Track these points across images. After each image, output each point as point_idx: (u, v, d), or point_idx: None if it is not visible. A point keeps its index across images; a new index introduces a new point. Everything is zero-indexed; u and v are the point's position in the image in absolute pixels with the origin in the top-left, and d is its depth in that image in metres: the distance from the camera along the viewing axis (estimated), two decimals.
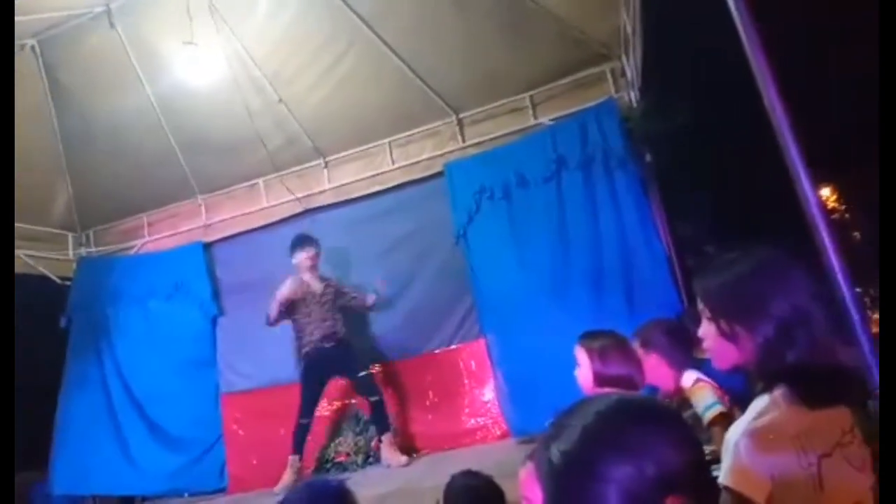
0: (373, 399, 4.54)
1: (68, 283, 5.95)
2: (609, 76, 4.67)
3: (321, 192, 5.40)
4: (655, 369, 2.58)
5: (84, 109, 5.10)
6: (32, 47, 4.78)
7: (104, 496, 5.63)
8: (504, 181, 4.76)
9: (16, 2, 3.72)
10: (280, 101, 4.98)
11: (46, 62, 4.88)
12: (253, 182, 5.64)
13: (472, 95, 5.00)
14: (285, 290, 4.61)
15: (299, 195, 5.38)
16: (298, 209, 5.40)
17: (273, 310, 4.63)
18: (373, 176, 5.28)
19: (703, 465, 0.77)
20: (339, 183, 5.37)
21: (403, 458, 4.40)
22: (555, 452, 0.74)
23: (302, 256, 4.73)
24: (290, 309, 4.66)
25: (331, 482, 1.82)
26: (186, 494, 5.25)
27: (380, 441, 4.54)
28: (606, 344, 2.49)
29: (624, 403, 0.78)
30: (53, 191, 5.69)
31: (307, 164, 5.47)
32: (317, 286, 4.71)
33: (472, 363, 4.81)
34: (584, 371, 2.49)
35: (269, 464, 4.99)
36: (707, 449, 1.72)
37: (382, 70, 4.78)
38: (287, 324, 4.75)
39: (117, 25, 4.61)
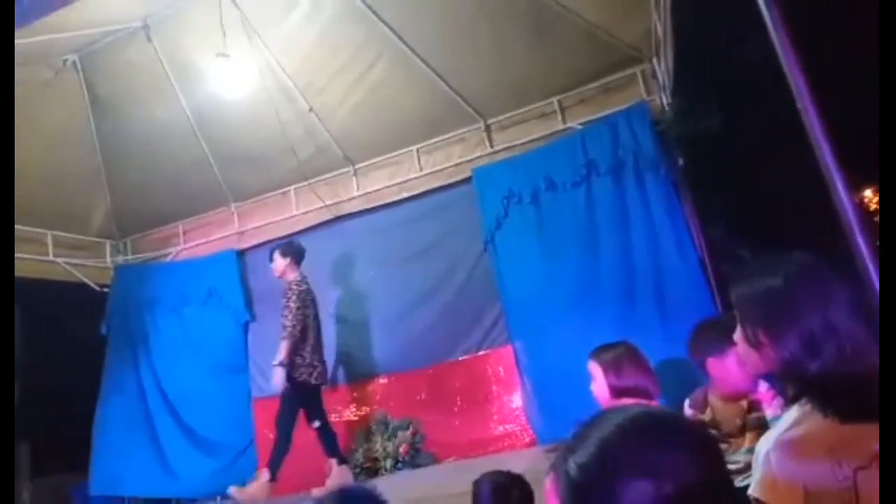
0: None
1: (107, 289, 6.12)
2: (640, 79, 4.61)
3: (350, 199, 5.46)
4: (732, 369, 2.46)
5: (122, 121, 5.25)
6: (74, 62, 4.94)
7: (140, 498, 5.76)
8: (533, 186, 4.73)
9: (57, 19, 3.85)
10: (311, 110, 5.06)
11: (87, 77, 5.03)
12: (284, 190, 5.73)
13: (500, 101, 5.00)
14: None
15: (328, 202, 5.45)
16: (328, 216, 5.47)
17: None
18: (401, 182, 5.31)
19: (726, 480, 0.75)
20: (368, 190, 5.41)
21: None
22: (572, 465, 0.74)
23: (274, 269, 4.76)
24: None
25: (363, 487, 1.85)
26: (219, 498, 5.32)
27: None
28: (619, 355, 2.48)
29: (644, 416, 0.77)
30: (93, 200, 5.86)
31: (336, 172, 5.54)
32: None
33: (501, 369, 4.79)
34: (599, 385, 2.48)
35: (300, 468, 5.04)
36: None
37: (411, 78, 4.81)
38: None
39: (154, 39, 4.74)
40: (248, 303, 5.71)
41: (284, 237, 5.65)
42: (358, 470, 4.83)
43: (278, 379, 4.41)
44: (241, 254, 5.84)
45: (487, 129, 5.10)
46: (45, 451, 6.06)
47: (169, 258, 6.17)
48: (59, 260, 5.81)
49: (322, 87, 4.99)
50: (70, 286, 5.92)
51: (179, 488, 5.45)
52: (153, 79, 4.99)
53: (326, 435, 4.55)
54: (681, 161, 4.39)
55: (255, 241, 5.81)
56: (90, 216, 5.99)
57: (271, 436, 5.33)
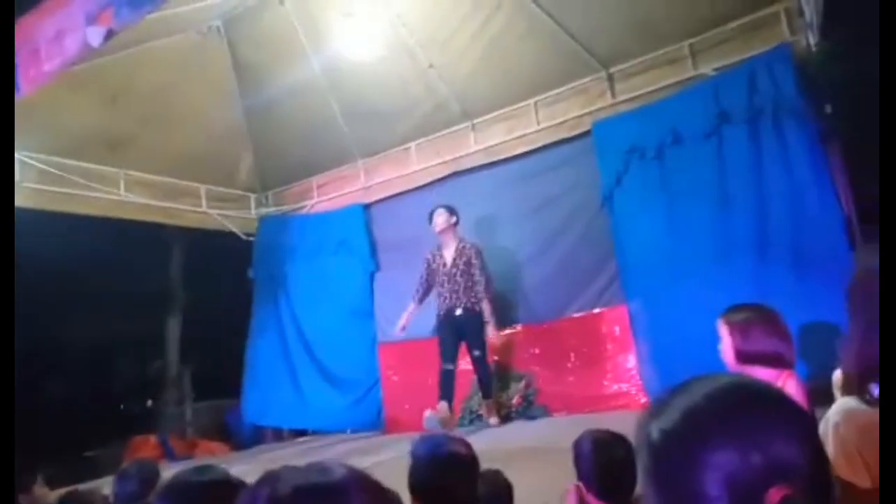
0: (479, 372, 4.80)
1: (252, 238, 6.74)
2: (783, 17, 4.14)
3: (469, 154, 5.51)
4: None
5: (261, 83, 5.64)
6: (218, 28, 5.37)
7: (280, 429, 6.44)
8: (658, 139, 4.49)
9: None
10: (431, 66, 5.12)
11: (230, 40, 5.45)
12: (406, 146, 5.90)
13: (623, 47, 4.73)
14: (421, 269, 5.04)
15: (447, 157, 5.54)
16: (447, 171, 5.57)
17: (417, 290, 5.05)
18: (519, 137, 5.25)
19: (819, 457, 0.71)
20: (486, 145, 5.42)
21: (495, 420, 4.73)
22: (654, 430, 0.72)
23: (436, 224, 4.92)
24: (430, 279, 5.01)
25: (452, 439, 1.92)
26: (349, 431, 5.81)
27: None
28: (750, 318, 2.32)
29: (736, 385, 0.74)
30: (238, 157, 6.40)
31: (455, 127, 5.59)
32: (448, 256, 4.89)
33: (616, 329, 4.69)
34: (725, 347, 2.36)
35: (421, 409, 5.32)
36: None
37: (530, 27, 4.69)
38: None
39: (286, 2, 5.01)
40: (374, 253, 6.03)
41: (406, 192, 5.86)
42: (473, 416, 5.03)
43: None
44: (367, 207, 6.13)
45: (610, 78, 4.87)
46: (203, 378, 6.93)
47: (304, 210, 6.64)
48: (212, 211, 6.47)
49: (442, 42, 5.02)
50: (221, 234, 6.59)
51: (314, 421, 6.01)
52: (287, 41, 5.29)
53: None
54: (829, 109, 3.93)
55: (379, 196, 6.08)
56: (237, 172, 6.56)
57: (395, 378, 5.70)
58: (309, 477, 0.81)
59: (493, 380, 4.88)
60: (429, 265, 5.00)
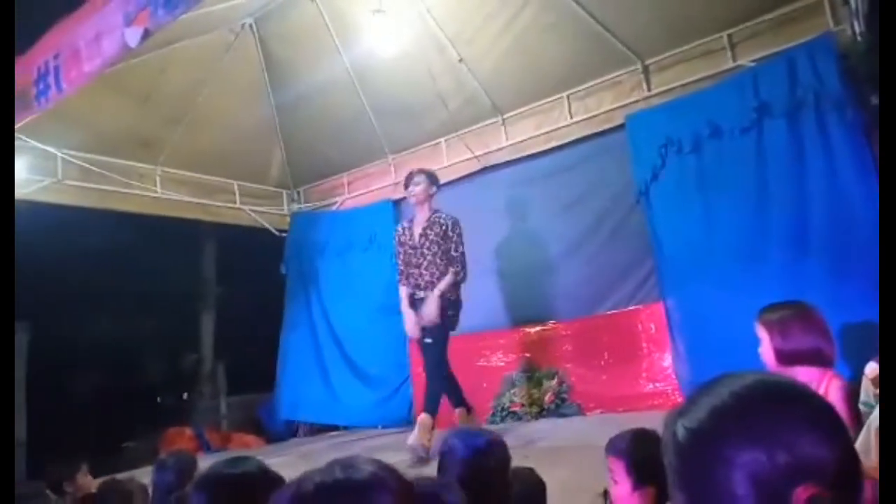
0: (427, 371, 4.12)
1: (284, 234, 6.81)
2: (826, 6, 4.00)
3: (498, 150, 5.46)
4: None
5: (292, 79, 5.69)
6: (251, 25, 5.42)
7: (312, 424, 6.50)
8: (694, 133, 4.38)
9: None
10: (460, 60, 5.09)
11: (262, 37, 5.51)
12: (435, 141, 5.88)
13: (659, 39, 4.62)
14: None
15: (477, 153, 5.50)
16: (477, 167, 5.54)
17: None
18: (550, 131, 5.19)
19: (848, 456, 0.70)
20: (517, 140, 5.37)
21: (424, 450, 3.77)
22: (681, 429, 0.72)
23: (414, 193, 4.29)
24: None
25: (483, 432, 1.92)
26: (379, 427, 5.85)
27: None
28: (787, 316, 2.26)
29: (763, 383, 0.73)
30: (271, 154, 6.49)
31: (485, 122, 5.55)
32: (417, 230, 4.25)
33: (652, 326, 4.62)
34: (765, 348, 2.31)
35: (451, 406, 5.34)
36: None
37: (561, 19, 4.62)
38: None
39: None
40: None
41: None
42: (505, 413, 5.01)
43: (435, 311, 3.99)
44: (396, 203, 6.14)
45: (645, 70, 4.77)
46: (236, 373, 7.03)
47: (335, 207, 6.68)
48: (245, 207, 6.56)
49: (472, 35, 4.98)
50: (253, 231, 6.69)
51: (344, 417, 6.06)
52: (317, 37, 5.33)
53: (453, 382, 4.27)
54: (874, 101, 3.79)
55: None
56: (269, 169, 6.65)
57: (424, 375, 5.69)
58: (334, 473, 0.83)
59: (441, 392, 4.08)
60: (398, 240, 4.35)
